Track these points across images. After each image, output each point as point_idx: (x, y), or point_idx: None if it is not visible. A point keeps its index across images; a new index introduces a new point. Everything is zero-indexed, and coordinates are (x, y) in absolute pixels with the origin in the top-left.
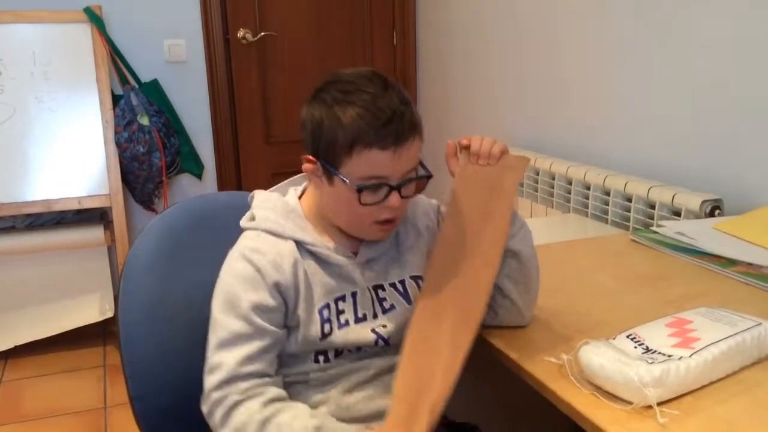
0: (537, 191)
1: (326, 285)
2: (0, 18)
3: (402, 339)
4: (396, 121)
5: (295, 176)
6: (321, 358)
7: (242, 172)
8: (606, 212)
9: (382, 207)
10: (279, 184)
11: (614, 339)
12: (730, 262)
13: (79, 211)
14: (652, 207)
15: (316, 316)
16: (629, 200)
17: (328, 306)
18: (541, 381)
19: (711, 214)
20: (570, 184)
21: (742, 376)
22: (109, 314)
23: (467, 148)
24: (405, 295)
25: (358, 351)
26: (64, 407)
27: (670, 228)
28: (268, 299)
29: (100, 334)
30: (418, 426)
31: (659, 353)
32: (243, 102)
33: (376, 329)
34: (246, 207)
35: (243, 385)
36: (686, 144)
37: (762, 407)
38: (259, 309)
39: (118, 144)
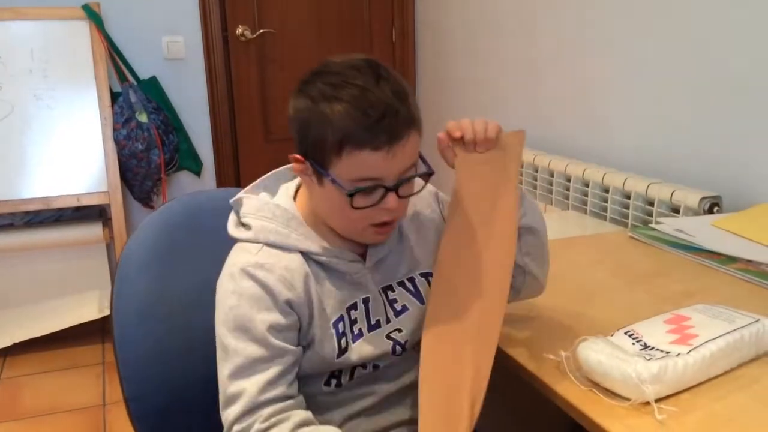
0: (536, 188)
1: (338, 296)
2: None
3: (419, 341)
4: (389, 116)
5: (279, 169)
6: (333, 381)
7: (241, 170)
8: (605, 209)
9: (378, 209)
10: (262, 178)
11: (612, 336)
12: (729, 259)
13: (77, 209)
14: (651, 204)
15: (332, 332)
16: (628, 197)
17: (342, 318)
18: (539, 378)
19: (710, 211)
20: (569, 181)
21: (740, 372)
22: (108, 312)
23: (461, 139)
24: (416, 294)
25: (375, 369)
26: (63, 404)
27: (668, 225)
28: (281, 319)
29: (99, 332)
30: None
31: (657, 350)
32: (242, 99)
33: (392, 335)
34: None
35: (266, 411)
36: (685, 141)
37: (760, 403)
38: (275, 329)
39: (116, 141)
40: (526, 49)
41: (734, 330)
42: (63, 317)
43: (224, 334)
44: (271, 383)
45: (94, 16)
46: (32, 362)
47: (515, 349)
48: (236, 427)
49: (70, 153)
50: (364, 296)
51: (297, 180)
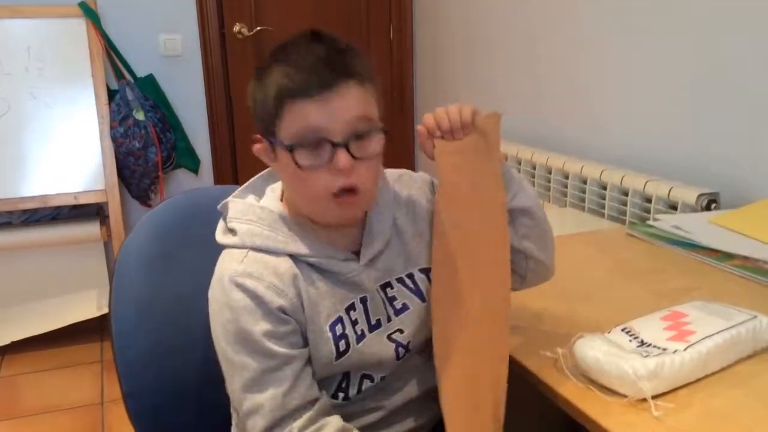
0: (534, 185)
1: (333, 297)
2: None
3: (421, 343)
4: (320, 66)
5: (265, 170)
6: (341, 395)
7: (239, 167)
8: (602, 206)
9: (332, 172)
10: (249, 182)
11: (609, 332)
12: (726, 256)
13: (75, 207)
14: (649, 201)
15: (328, 335)
16: (626, 194)
17: (341, 320)
18: (536, 374)
19: (707, 208)
20: (567, 178)
21: (737, 369)
22: (106, 310)
23: (439, 129)
24: (417, 291)
25: (382, 381)
26: (62, 403)
27: (666, 222)
28: (278, 326)
29: (97, 330)
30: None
31: (654, 346)
32: (239, 97)
33: (393, 336)
34: None
35: (297, 423)
36: (683, 138)
37: (757, 400)
38: (275, 337)
39: (113, 139)
40: (525, 46)
41: (731, 326)
42: (61, 316)
43: (226, 350)
44: (287, 393)
45: (90, 14)
46: (30, 361)
47: (511, 345)
48: None
49: (67, 151)
50: (362, 296)
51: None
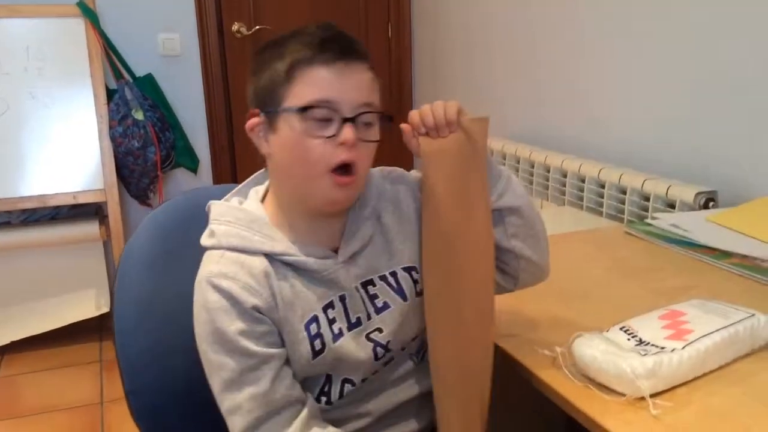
0: (532, 184)
1: (310, 296)
2: None
3: (402, 343)
4: (338, 39)
5: (259, 172)
6: (323, 398)
7: (238, 167)
8: (601, 205)
9: (335, 145)
10: (240, 186)
11: (607, 331)
12: (724, 254)
13: (74, 207)
14: (647, 199)
15: (303, 334)
16: (624, 193)
17: (316, 319)
18: (534, 373)
19: (705, 207)
20: (565, 176)
21: (735, 367)
22: (105, 309)
23: (424, 126)
24: (399, 290)
25: (363, 383)
26: (61, 403)
27: (664, 220)
28: (253, 326)
29: (96, 330)
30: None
31: (652, 345)
32: (238, 96)
33: (371, 335)
34: None
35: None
36: (681, 137)
37: (755, 398)
38: (252, 336)
39: (112, 139)
40: (523, 44)
41: (729, 325)
42: (60, 315)
43: (205, 350)
44: (266, 393)
45: (89, 14)
46: (29, 360)
47: (510, 344)
48: None
49: (66, 151)
50: (341, 294)
51: (267, 183)
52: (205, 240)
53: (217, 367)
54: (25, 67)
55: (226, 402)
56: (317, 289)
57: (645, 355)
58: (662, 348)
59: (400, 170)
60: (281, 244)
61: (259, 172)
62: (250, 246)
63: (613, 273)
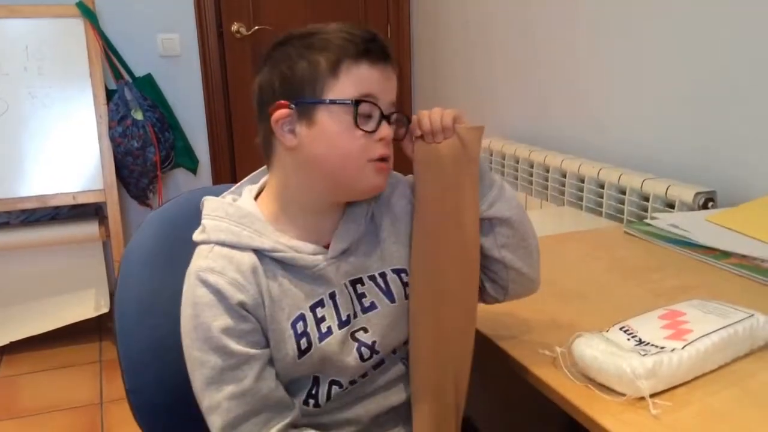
0: (531, 184)
1: (297, 294)
2: None
3: (391, 346)
4: (380, 41)
5: (254, 173)
6: (311, 401)
7: (237, 167)
8: (600, 205)
9: (373, 141)
10: (237, 184)
11: (607, 331)
12: (724, 254)
13: (73, 207)
14: (646, 199)
15: (289, 333)
16: (623, 193)
17: (303, 318)
18: (534, 373)
19: (704, 207)
20: (564, 176)
21: (735, 367)
22: (105, 310)
23: (420, 130)
24: (387, 292)
25: (352, 385)
26: (60, 403)
27: (663, 220)
28: (238, 323)
29: (96, 330)
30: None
31: (652, 345)
32: (237, 96)
33: (356, 335)
34: None
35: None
36: (680, 137)
37: (754, 398)
38: (235, 335)
39: (112, 139)
40: (523, 44)
41: (728, 325)
42: (60, 315)
43: (188, 345)
44: (246, 393)
45: (88, 14)
46: (29, 361)
47: (510, 344)
48: None
49: (66, 151)
50: (330, 291)
51: (262, 182)
52: (196, 235)
53: (199, 364)
54: (25, 67)
55: (205, 400)
56: (305, 286)
57: (645, 355)
58: (662, 348)
59: (395, 173)
60: (270, 240)
61: (255, 172)
62: (239, 241)
63: (612, 273)
